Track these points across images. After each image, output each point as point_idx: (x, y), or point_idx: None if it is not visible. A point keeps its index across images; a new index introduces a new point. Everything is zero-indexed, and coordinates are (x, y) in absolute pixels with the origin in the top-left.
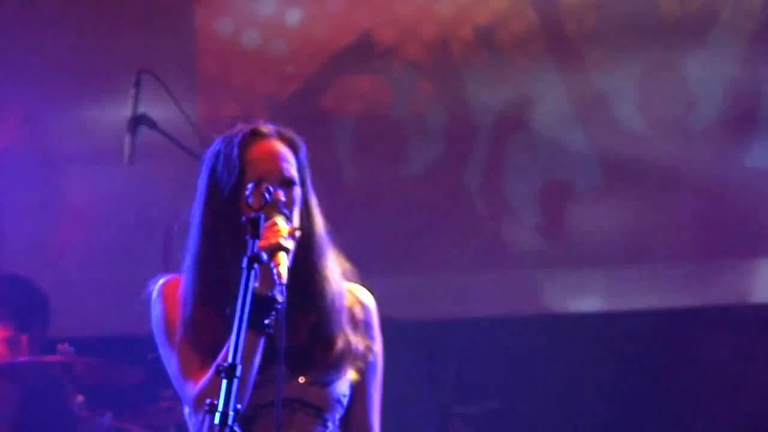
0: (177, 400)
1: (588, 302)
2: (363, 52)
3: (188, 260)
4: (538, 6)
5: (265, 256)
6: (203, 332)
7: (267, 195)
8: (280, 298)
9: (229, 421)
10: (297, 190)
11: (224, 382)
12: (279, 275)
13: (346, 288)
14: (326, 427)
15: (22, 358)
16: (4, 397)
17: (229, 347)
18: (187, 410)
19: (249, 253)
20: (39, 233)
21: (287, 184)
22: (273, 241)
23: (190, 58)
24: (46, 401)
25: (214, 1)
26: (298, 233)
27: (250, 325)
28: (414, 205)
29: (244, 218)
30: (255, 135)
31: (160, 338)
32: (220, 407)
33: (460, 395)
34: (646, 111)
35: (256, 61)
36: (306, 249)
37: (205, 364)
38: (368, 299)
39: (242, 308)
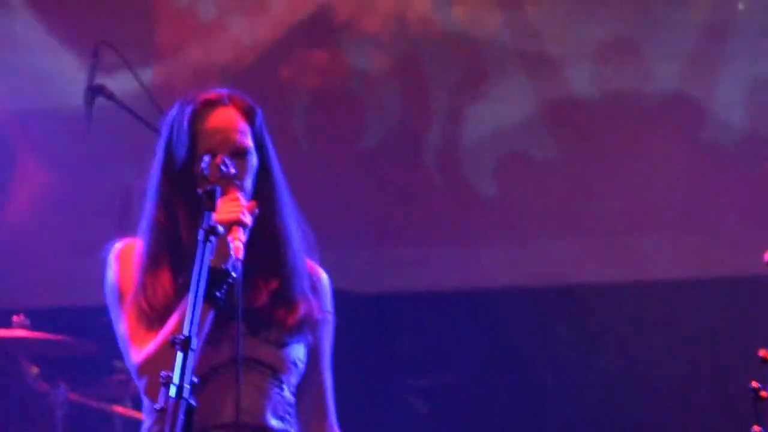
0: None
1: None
2: (320, 25)
3: (144, 225)
4: None
5: (221, 229)
6: (154, 297)
7: (223, 167)
8: (233, 273)
9: (185, 394)
10: (251, 159)
11: (180, 354)
12: (236, 250)
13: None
14: (281, 388)
15: None
16: None
17: (180, 318)
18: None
19: (205, 225)
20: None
21: (240, 154)
22: (232, 216)
23: (146, 29)
24: (9, 393)
25: None
26: (256, 210)
27: (209, 296)
28: (370, 178)
29: (199, 190)
30: (206, 105)
31: (111, 300)
32: (176, 380)
33: (414, 369)
34: (599, 79)
35: (212, 32)
36: (267, 212)
37: (152, 330)
38: (322, 272)
39: (198, 281)
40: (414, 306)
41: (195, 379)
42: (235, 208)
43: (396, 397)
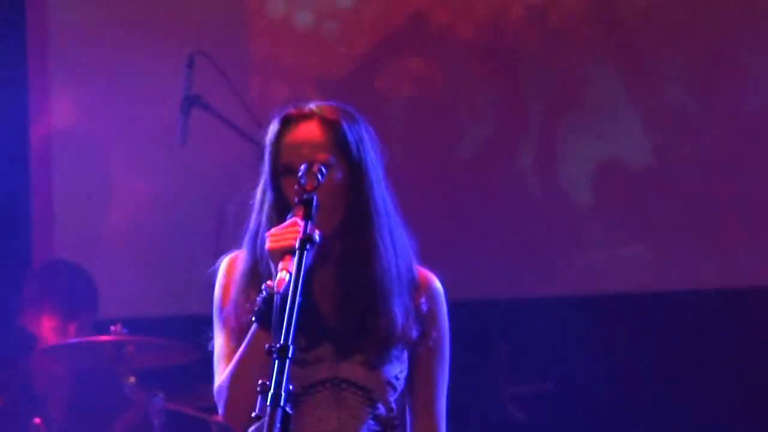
0: None
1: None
2: (415, 34)
3: (245, 239)
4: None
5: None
6: (244, 316)
7: (320, 176)
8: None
9: (281, 402)
10: (330, 172)
11: (276, 362)
12: (279, 282)
13: (414, 272)
14: (375, 408)
15: (74, 339)
16: (58, 379)
17: (248, 347)
18: None
19: (302, 235)
20: (89, 218)
21: (314, 158)
22: (283, 243)
23: (242, 39)
24: (98, 383)
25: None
26: (317, 236)
27: (258, 320)
28: (466, 187)
29: (296, 199)
30: (288, 121)
31: (214, 315)
32: (272, 388)
33: (514, 376)
34: (696, 94)
35: (308, 42)
36: (358, 228)
37: (227, 361)
38: (436, 286)
39: (294, 289)
40: (514, 313)
41: (291, 387)
42: (288, 234)
43: (495, 405)
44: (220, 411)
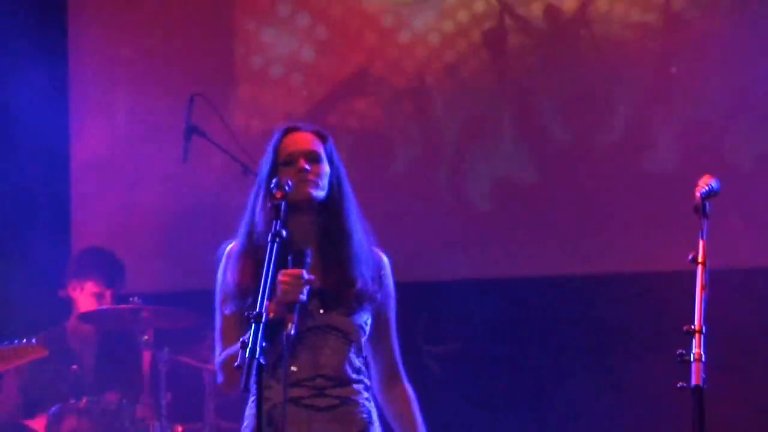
0: None
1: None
2: (360, 82)
3: (242, 222)
4: (490, 48)
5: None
6: (235, 303)
7: (286, 187)
8: (292, 332)
9: (257, 355)
10: (324, 166)
11: (253, 325)
12: (291, 331)
13: (373, 249)
14: (350, 345)
15: (102, 307)
16: (90, 337)
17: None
18: None
19: (272, 230)
20: (116, 216)
21: (314, 158)
22: (290, 297)
23: (231, 85)
24: (120, 340)
25: (249, 43)
26: (315, 283)
27: (268, 341)
28: (398, 196)
29: (269, 204)
30: (287, 131)
31: (216, 296)
32: (250, 344)
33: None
34: (562, 123)
35: (279, 88)
36: (337, 215)
37: (230, 332)
38: (387, 261)
39: (266, 272)
40: (432, 291)
41: (265, 344)
42: (294, 289)
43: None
44: (218, 380)
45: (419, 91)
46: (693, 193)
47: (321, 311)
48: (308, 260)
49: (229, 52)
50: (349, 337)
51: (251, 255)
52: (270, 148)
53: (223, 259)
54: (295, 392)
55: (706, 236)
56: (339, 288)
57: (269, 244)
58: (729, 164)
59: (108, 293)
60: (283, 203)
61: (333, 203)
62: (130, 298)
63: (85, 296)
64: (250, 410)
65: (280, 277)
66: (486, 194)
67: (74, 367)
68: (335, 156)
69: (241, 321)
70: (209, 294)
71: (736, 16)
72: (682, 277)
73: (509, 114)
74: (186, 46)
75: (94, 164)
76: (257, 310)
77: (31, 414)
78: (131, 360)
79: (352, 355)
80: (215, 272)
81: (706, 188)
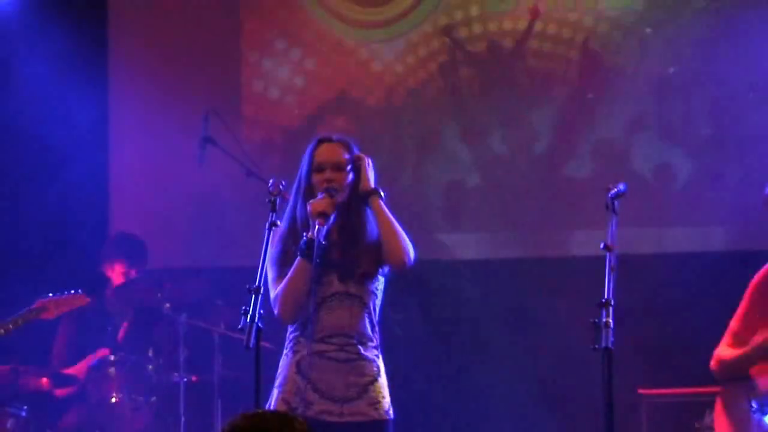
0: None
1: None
2: (340, 102)
3: (287, 210)
4: (444, 77)
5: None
6: (282, 264)
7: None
8: (322, 242)
9: (256, 320)
10: (346, 174)
11: (253, 297)
12: (317, 231)
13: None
14: (366, 308)
15: (135, 276)
16: (122, 304)
17: (290, 276)
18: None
19: (308, 235)
20: (144, 207)
21: (338, 167)
22: (319, 209)
23: (238, 103)
24: (147, 307)
25: (253, 71)
26: (332, 209)
27: (303, 255)
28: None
29: (324, 188)
30: (321, 141)
31: (269, 258)
32: (251, 312)
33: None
34: (501, 137)
35: (276, 106)
36: (357, 205)
37: (281, 280)
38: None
39: (277, 252)
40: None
41: (261, 311)
42: (322, 206)
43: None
44: (276, 311)
45: (387, 110)
46: (605, 194)
47: (339, 281)
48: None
49: (237, 78)
50: (363, 301)
51: (292, 233)
52: (307, 154)
53: (271, 238)
54: (320, 347)
55: (614, 228)
56: (353, 262)
57: (268, 231)
58: (633, 172)
59: (133, 271)
60: (277, 199)
61: (352, 200)
62: (155, 272)
63: (116, 274)
64: (282, 361)
65: (312, 202)
66: (439, 193)
67: (109, 327)
68: (359, 158)
69: (284, 269)
70: (218, 270)
71: (638, 56)
72: (595, 261)
73: (459, 129)
74: (203, 73)
75: (128, 167)
76: (256, 284)
77: (72, 363)
78: (155, 323)
79: (366, 317)
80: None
81: (615, 190)
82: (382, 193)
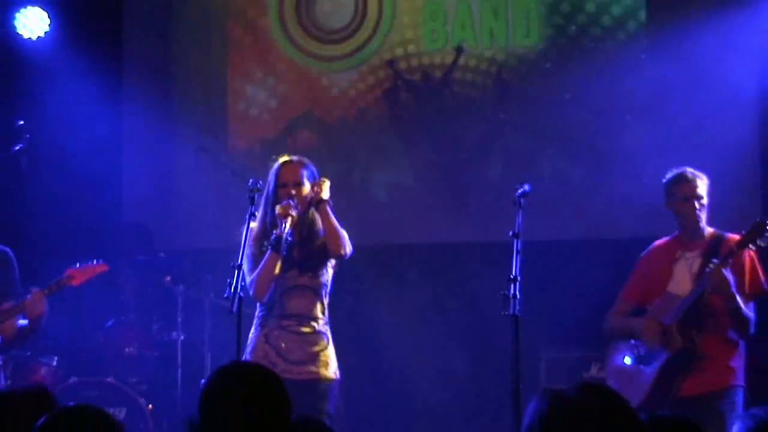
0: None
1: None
2: (306, 120)
3: (258, 217)
4: (388, 100)
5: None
6: (257, 253)
7: (290, 200)
8: (289, 239)
9: (237, 292)
10: (304, 188)
11: (235, 273)
12: (284, 229)
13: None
14: (319, 297)
15: (139, 257)
16: (132, 278)
17: (263, 265)
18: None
19: (276, 233)
20: (153, 199)
21: (297, 184)
22: (283, 212)
23: (225, 120)
24: (150, 282)
25: (237, 94)
26: (294, 211)
27: (273, 249)
28: (331, 192)
29: (270, 215)
30: (284, 163)
31: (245, 249)
32: (233, 287)
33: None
34: (433, 146)
35: (255, 122)
36: (313, 217)
37: (255, 267)
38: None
39: (248, 238)
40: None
41: (243, 284)
42: (286, 209)
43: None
44: (251, 292)
45: (342, 125)
46: (513, 193)
47: (299, 276)
48: (290, 239)
49: (225, 99)
50: (317, 291)
51: (263, 235)
52: (273, 173)
53: (246, 233)
54: (284, 323)
55: (521, 220)
56: (310, 261)
57: (248, 220)
58: (538, 174)
59: (141, 252)
60: (255, 195)
61: (309, 212)
62: (159, 253)
63: (128, 256)
64: (252, 334)
65: (278, 206)
66: (382, 191)
67: (122, 295)
68: (314, 174)
69: (257, 262)
70: (208, 251)
71: (539, 85)
72: (505, 245)
73: (401, 143)
74: (199, 94)
75: (137, 168)
76: (238, 262)
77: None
78: (158, 293)
79: (318, 303)
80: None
81: (521, 190)
82: (330, 202)
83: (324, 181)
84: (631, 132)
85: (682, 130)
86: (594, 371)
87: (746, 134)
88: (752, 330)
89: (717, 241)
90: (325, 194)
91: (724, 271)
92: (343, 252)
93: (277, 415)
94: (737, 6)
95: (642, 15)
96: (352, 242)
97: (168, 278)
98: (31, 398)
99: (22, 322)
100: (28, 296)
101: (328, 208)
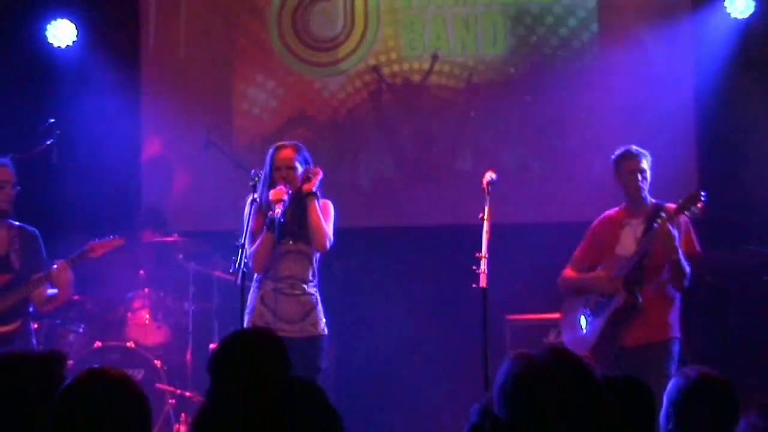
0: (222, 255)
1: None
2: (300, 119)
3: (258, 196)
4: (373, 101)
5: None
6: (256, 229)
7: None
8: (281, 220)
9: (242, 266)
10: (296, 172)
11: (240, 250)
12: (276, 212)
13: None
14: (311, 262)
15: (156, 238)
16: (149, 255)
17: (260, 240)
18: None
19: (252, 197)
20: (168, 190)
21: (289, 168)
22: (276, 197)
23: (230, 118)
24: (165, 260)
25: (240, 96)
26: (286, 196)
27: (268, 230)
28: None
29: (266, 197)
30: (278, 148)
31: (245, 223)
32: (239, 261)
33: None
34: (414, 142)
35: (257, 121)
36: (304, 182)
37: (254, 242)
38: (330, 204)
39: (251, 220)
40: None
41: (246, 260)
42: (279, 195)
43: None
44: (250, 264)
45: (333, 123)
46: (482, 182)
47: (291, 242)
48: (283, 217)
49: (230, 100)
50: (309, 256)
51: (261, 209)
52: (269, 157)
53: (248, 206)
54: (278, 285)
55: (488, 205)
56: (301, 229)
57: (250, 206)
58: (503, 166)
59: (157, 233)
60: (257, 184)
61: (301, 191)
62: (173, 234)
63: (147, 235)
64: (251, 296)
65: (271, 192)
66: (368, 181)
67: (141, 271)
68: (306, 157)
69: (257, 236)
70: (216, 233)
71: (505, 88)
72: (475, 227)
73: (384, 138)
74: (209, 95)
75: (154, 159)
76: (242, 242)
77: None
78: (172, 269)
79: (309, 267)
80: (218, 220)
81: (489, 179)
82: (317, 195)
83: (317, 173)
84: (584, 129)
85: (627, 127)
86: (552, 337)
87: (683, 126)
88: (687, 284)
89: (657, 209)
90: (315, 187)
91: (669, 226)
92: (323, 249)
93: (279, 374)
94: (676, 17)
95: (595, 27)
96: (341, 226)
97: (180, 256)
98: (44, 361)
99: (51, 291)
100: (54, 266)
101: (316, 202)
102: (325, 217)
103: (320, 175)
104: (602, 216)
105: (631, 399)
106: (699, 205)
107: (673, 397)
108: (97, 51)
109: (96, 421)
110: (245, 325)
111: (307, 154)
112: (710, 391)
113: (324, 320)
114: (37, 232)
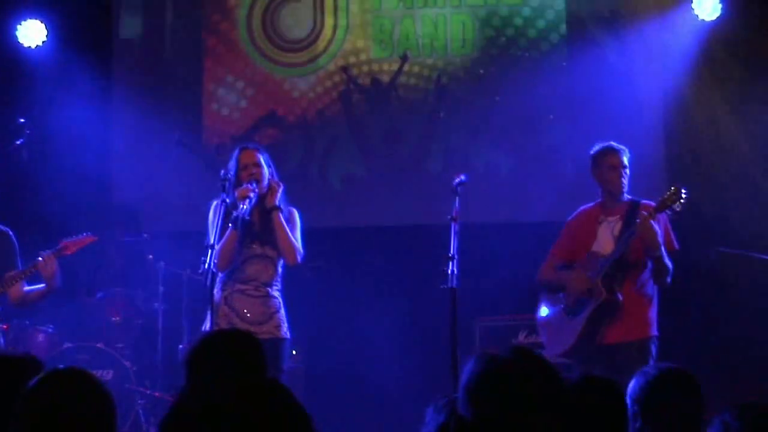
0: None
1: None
2: (270, 118)
3: (226, 196)
4: (343, 102)
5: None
6: (221, 229)
7: (249, 184)
8: (246, 218)
9: (212, 267)
10: (263, 169)
11: (209, 251)
12: (242, 210)
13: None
14: (275, 266)
15: (126, 238)
16: (120, 252)
17: (223, 241)
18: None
19: (220, 199)
20: (141, 187)
21: (256, 165)
22: (243, 194)
23: (200, 117)
24: (135, 259)
25: (210, 95)
26: (255, 191)
27: (233, 226)
28: (292, 181)
29: (231, 196)
30: (242, 149)
31: (210, 224)
32: (208, 261)
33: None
34: (384, 140)
35: (227, 120)
36: (268, 195)
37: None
38: (295, 211)
39: (221, 221)
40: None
41: (215, 261)
42: (245, 192)
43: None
44: (215, 262)
45: (302, 124)
46: (452, 182)
47: (258, 247)
48: (248, 214)
49: (200, 100)
50: (274, 261)
51: (230, 209)
52: (234, 159)
53: (212, 210)
54: (243, 287)
55: (458, 205)
56: (269, 235)
57: (221, 206)
58: (472, 166)
59: (127, 232)
60: (226, 184)
61: (269, 187)
62: (143, 234)
63: (116, 233)
64: (215, 296)
65: (238, 190)
66: (339, 181)
67: (111, 270)
68: (268, 160)
69: (221, 237)
70: (185, 233)
71: (473, 88)
72: (444, 227)
73: (354, 139)
74: (178, 96)
75: (125, 158)
76: (211, 242)
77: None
78: (142, 268)
79: (274, 271)
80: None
81: (459, 179)
82: (281, 209)
83: (278, 185)
84: (552, 129)
85: (596, 126)
86: (521, 338)
87: (651, 125)
88: (669, 280)
89: (634, 206)
90: (277, 200)
91: (651, 222)
92: (294, 263)
93: (257, 375)
94: (642, 20)
95: (563, 28)
96: (311, 226)
97: (150, 256)
98: (21, 363)
99: (28, 287)
100: (39, 259)
101: (280, 216)
102: (292, 228)
103: (281, 188)
104: (578, 211)
105: (609, 398)
106: (681, 202)
107: (635, 395)
108: (68, 51)
109: (57, 421)
110: (208, 324)
111: (268, 156)
112: (672, 382)
113: (287, 324)
114: (9, 231)
